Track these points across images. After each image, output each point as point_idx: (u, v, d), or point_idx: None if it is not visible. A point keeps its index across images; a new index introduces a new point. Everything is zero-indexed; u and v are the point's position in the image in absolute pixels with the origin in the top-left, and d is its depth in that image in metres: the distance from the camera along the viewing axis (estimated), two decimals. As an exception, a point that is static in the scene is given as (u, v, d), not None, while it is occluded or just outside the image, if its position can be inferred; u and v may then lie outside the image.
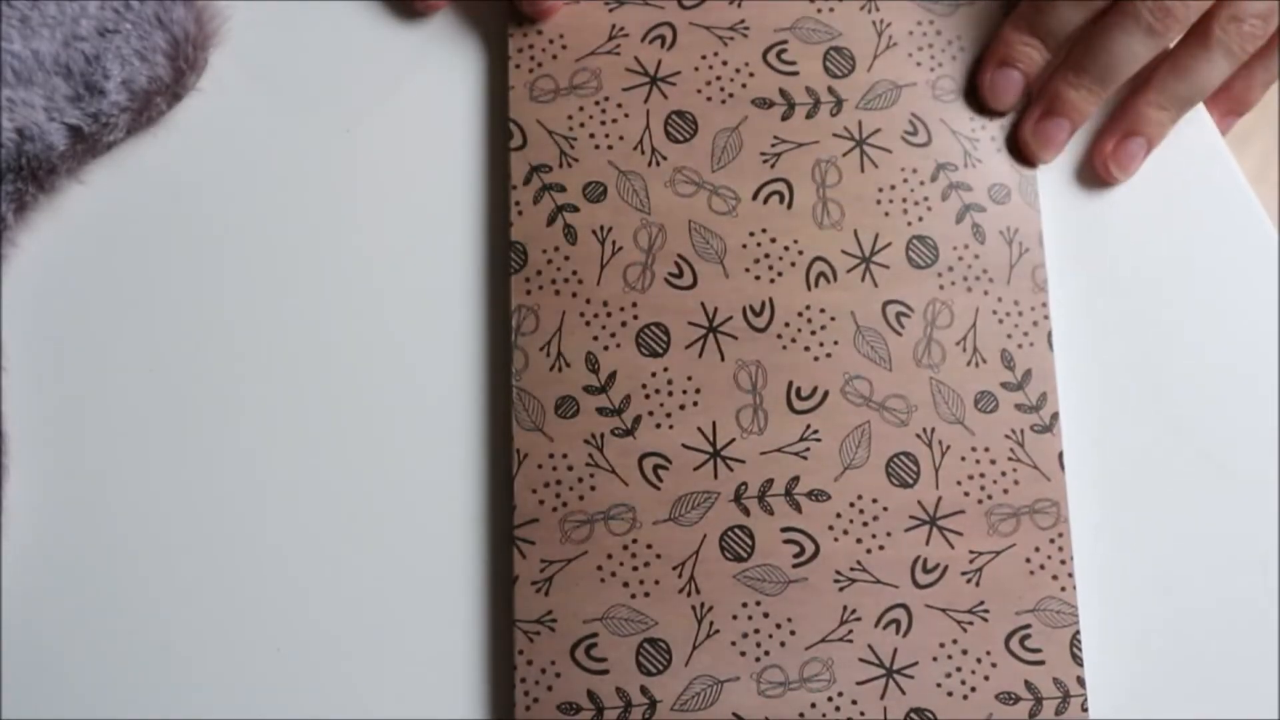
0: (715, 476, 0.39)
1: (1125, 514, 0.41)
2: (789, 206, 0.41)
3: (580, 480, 0.39)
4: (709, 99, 0.42)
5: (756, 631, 0.38)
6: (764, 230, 0.41)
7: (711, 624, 0.38)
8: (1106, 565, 0.40)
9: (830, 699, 0.37)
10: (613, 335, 0.40)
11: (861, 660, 0.38)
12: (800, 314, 0.40)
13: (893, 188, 0.42)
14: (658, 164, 0.41)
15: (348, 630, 0.39)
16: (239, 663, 0.38)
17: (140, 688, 0.38)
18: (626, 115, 0.42)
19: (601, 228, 0.41)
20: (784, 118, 0.42)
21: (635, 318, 0.40)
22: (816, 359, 0.40)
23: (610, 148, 0.41)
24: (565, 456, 0.39)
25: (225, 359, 0.40)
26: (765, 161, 0.41)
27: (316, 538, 0.39)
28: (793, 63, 0.42)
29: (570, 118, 0.41)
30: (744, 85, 0.42)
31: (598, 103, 0.42)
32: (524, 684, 0.38)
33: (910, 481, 0.39)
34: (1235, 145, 0.44)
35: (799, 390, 0.40)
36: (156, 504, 0.39)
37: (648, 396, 0.39)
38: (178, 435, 0.40)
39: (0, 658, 0.38)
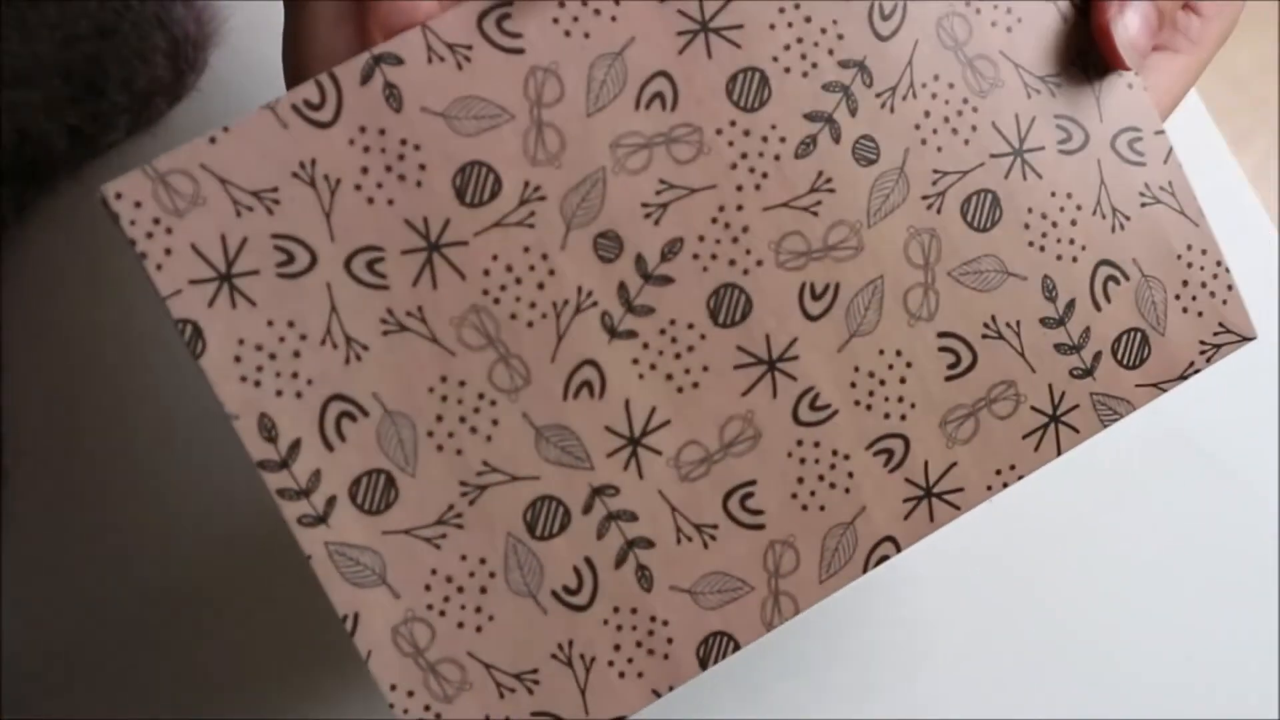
0: None
1: (1124, 514, 0.41)
2: None
3: None
4: None
5: None
6: None
7: None
8: (1105, 565, 0.40)
9: None
10: None
11: None
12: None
13: None
14: None
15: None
16: (241, 663, 0.39)
17: (140, 688, 0.38)
18: None
19: None
20: None
21: None
22: None
23: None
24: None
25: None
26: None
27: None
28: None
29: None
30: None
31: None
32: None
33: None
34: (1235, 145, 0.44)
35: None
36: (158, 504, 0.40)
37: None
38: (179, 434, 0.40)
39: (0, 658, 0.38)
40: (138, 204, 0.25)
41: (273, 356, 0.25)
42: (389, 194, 0.26)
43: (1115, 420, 0.29)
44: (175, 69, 0.42)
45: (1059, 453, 0.29)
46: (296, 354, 0.25)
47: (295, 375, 0.25)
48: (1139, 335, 0.29)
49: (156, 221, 0.25)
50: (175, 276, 0.25)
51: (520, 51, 0.26)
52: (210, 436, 0.40)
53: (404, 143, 0.26)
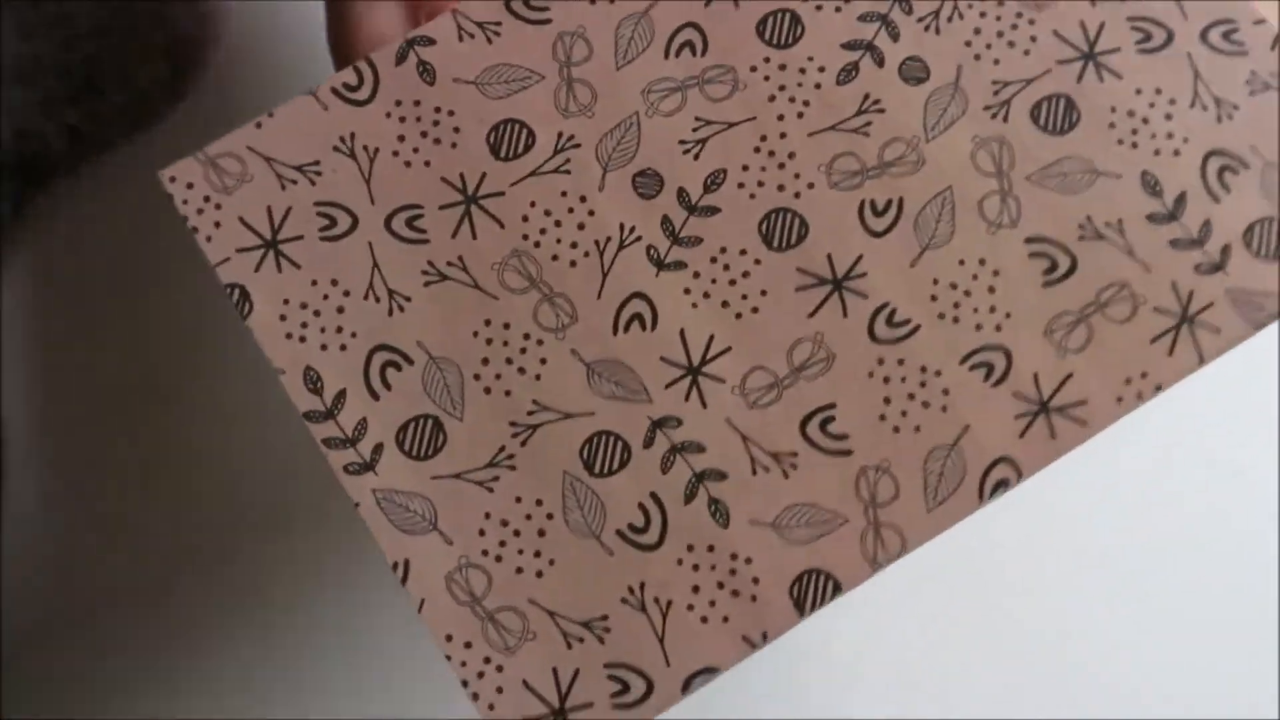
0: None
1: (1125, 513, 0.41)
2: None
3: None
4: None
5: None
6: None
7: None
8: (1105, 565, 0.41)
9: None
10: None
11: None
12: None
13: None
14: None
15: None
16: (242, 662, 0.38)
17: (141, 687, 0.38)
18: None
19: None
20: None
21: None
22: None
23: None
24: None
25: (226, 357, 0.40)
26: None
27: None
28: None
29: None
30: None
31: None
32: None
33: None
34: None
35: None
36: (159, 503, 0.39)
37: None
38: (179, 433, 0.40)
39: (0, 658, 0.38)
40: (190, 185, 0.26)
41: (317, 313, 0.26)
42: (425, 156, 0.27)
43: (1266, 321, 0.26)
44: (174, 68, 0.42)
45: (1201, 359, 0.26)
46: (340, 309, 0.26)
47: (340, 329, 0.26)
48: (1273, 224, 0.27)
49: (207, 199, 0.26)
50: (224, 246, 0.26)
51: (547, 22, 0.27)
52: (211, 436, 0.40)
53: (438, 110, 0.27)
